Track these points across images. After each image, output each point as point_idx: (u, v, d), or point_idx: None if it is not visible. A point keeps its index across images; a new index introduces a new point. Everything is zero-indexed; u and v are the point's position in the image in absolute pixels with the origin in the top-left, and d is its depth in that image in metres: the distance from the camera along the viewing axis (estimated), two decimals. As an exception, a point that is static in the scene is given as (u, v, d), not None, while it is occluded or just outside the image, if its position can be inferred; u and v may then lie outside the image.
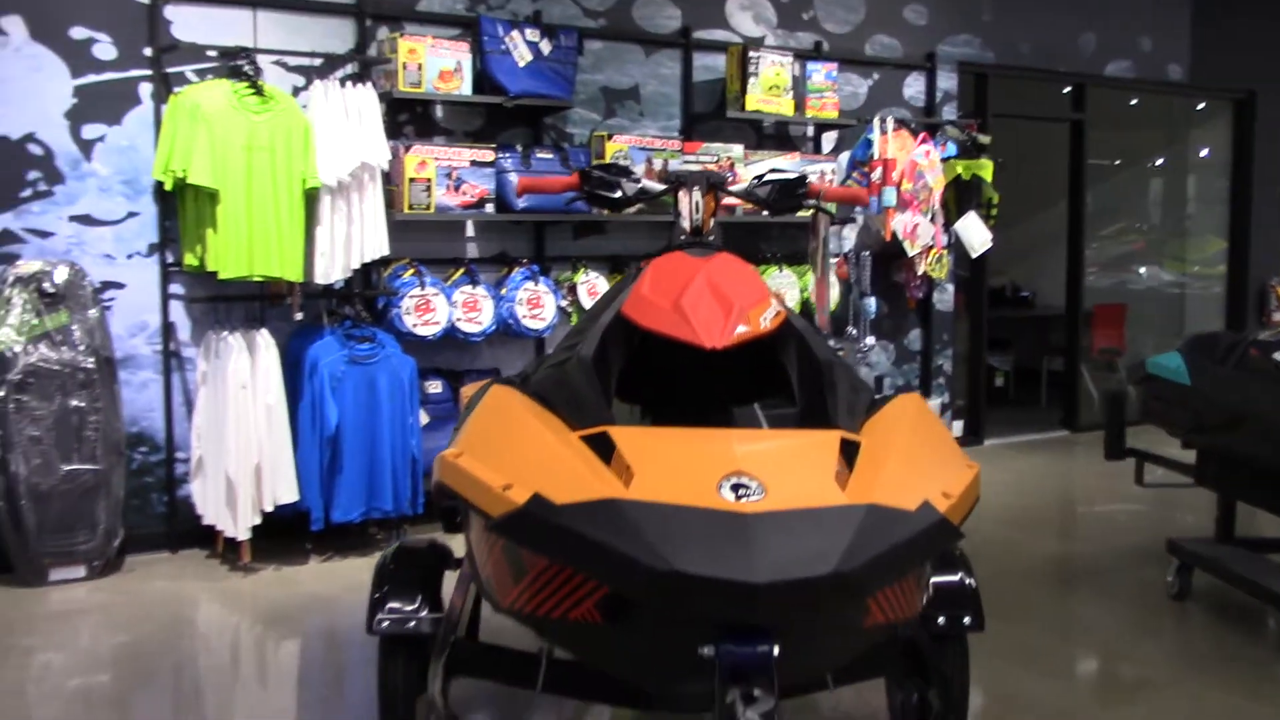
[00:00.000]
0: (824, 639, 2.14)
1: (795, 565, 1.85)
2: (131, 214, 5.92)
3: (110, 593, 5.45)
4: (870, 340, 8.27)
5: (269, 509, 5.77)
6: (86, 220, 5.83)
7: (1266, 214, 10.78)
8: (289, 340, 6.08)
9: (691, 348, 2.59)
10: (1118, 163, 12.03)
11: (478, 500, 2.14)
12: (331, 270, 5.94)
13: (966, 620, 3.27)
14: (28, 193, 5.69)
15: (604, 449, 2.18)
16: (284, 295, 5.96)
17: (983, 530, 6.62)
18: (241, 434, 5.66)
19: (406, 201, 6.20)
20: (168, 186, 5.65)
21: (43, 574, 5.52)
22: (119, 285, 5.92)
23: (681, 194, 3.07)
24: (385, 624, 3.23)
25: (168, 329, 6.01)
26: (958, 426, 9.10)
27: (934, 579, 3.32)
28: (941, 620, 3.25)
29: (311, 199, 5.84)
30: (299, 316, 6.00)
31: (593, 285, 6.92)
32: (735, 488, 2.00)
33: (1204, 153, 11.54)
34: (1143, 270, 12.16)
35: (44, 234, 5.73)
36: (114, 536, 5.71)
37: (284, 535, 6.10)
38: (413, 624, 3.22)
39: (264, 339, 5.77)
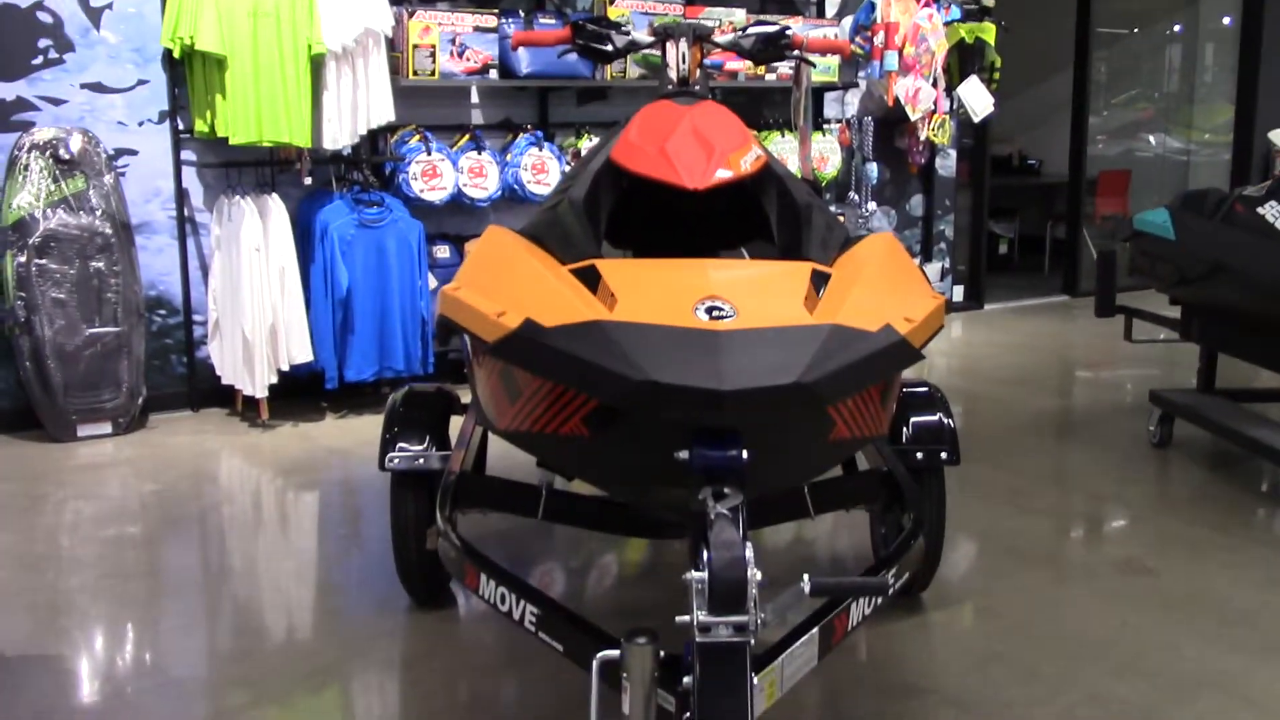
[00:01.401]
0: (792, 448, 2.33)
1: (760, 375, 2.03)
2: (141, 81, 6.03)
3: (136, 447, 5.71)
4: (872, 206, 8.40)
5: (285, 369, 5.99)
6: (97, 88, 5.94)
7: (1275, 79, 10.75)
8: (299, 205, 6.24)
9: (677, 192, 2.74)
10: (1135, 30, 11.95)
11: (475, 328, 2.32)
12: (339, 136, 6.06)
13: (943, 455, 3.48)
14: (39, 60, 5.80)
15: (592, 281, 2.36)
16: (293, 161, 6.11)
17: (978, 388, 6.83)
18: (256, 296, 5.86)
19: (411, 68, 6.29)
20: (176, 54, 5.76)
21: (71, 430, 5.78)
22: (132, 152, 6.06)
23: (669, 45, 3.20)
24: (395, 461, 3.45)
25: (181, 195, 6.16)
26: (958, 291, 9.26)
27: (914, 419, 3.53)
28: (920, 455, 3.47)
29: (317, 65, 5.93)
30: (308, 181, 6.15)
31: (596, 151, 7.01)
32: (710, 310, 2.17)
33: (1226, 20, 11.44)
34: (1151, 138, 12.17)
35: (56, 101, 5.86)
36: (137, 395, 5.95)
37: (300, 394, 6.35)
38: (421, 461, 3.44)
39: (275, 203, 5.93)
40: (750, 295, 2.22)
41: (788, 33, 3.40)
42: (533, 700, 3.15)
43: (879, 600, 2.72)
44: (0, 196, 5.70)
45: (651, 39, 3.30)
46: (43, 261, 5.67)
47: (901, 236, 8.84)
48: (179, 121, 6.10)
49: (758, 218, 2.93)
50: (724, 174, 2.70)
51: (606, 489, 2.61)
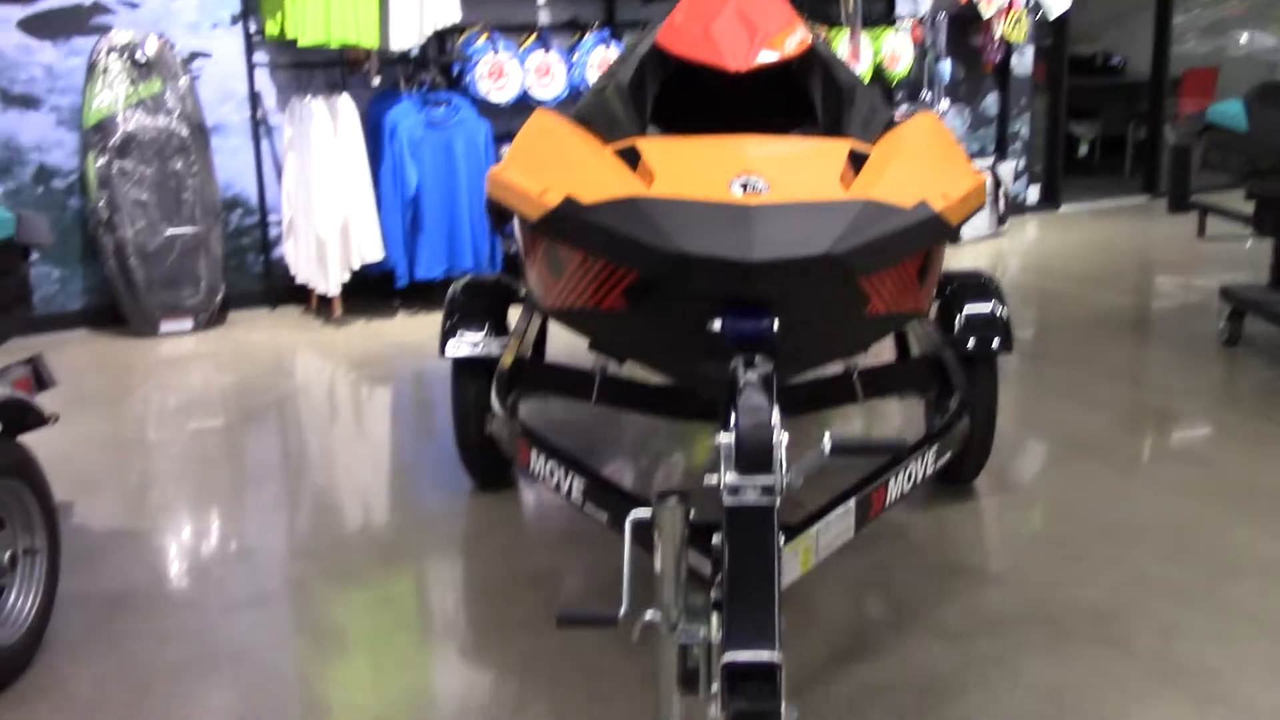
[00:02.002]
0: (827, 321, 2.38)
1: (789, 246, 2.08)
2: (213, -17, 6.13)
3: (215, 342, 5.91)
4: (945, 104, 8.27)
5: (356, 267, 6.13)
6: (171, -10, 6.06)
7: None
8: (369, 106, 6.32)
9: (722, 75, 2.77)
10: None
11: (520, 207, 2.39)
12: (406, 36, 6.11)
13: (994, 343, 3.50)
14: (114, -36, 5.91)
15: (633, 160, 2.41)
16: (362, 62, 6.18)
17: (1049, 285, 6.77)
18: (327, 196, 5.98)
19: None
20: (246, -45, 5.84)
21: (154, 325, 5.99)
22: (205, 55, 6.18)
23: None
24: (455, 349, 3.56)
25: (254, 97, 6.28)
26: (1034, 192, 9.12)
27: (966, 307, 3.55)
28: (971, 344, 3.49)
29: (384, -36, 5.97)
30: (376, 82, 6.24)
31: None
32: (745, 185, 2.22)
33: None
34: (1243, 37, 11.76)
35: (131, 4, 5.98)
36: (216, 293, 6.14)
37: (373, 293, 6.50)
38: (479, 348, 3.54)
39: (345, 104, 6.02)
40: (785, 171, 2.26)
41: None
42: (584, 573, 3.28)
43: (919, 478, 2.77)
44: (81, 99, 5.86)
45: None
46: (123, 162, 5.83)
47: (975, 136, 8.71)
48: (251, 24, 6.19)
49: (803, 100, 2.95)
50: (767, 55, 2.73)
51: (646, 363, 2.69)
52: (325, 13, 5.81)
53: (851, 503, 2.49)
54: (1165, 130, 9.83)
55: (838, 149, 2.40)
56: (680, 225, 2.13)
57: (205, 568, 3.36)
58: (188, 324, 6.06)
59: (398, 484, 3.99)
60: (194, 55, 6.13)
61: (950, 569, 3.25)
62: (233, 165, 6.33)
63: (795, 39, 2.79)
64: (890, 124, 2.77)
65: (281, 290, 6.50)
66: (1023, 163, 8.96)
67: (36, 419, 2.95)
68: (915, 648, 2.83)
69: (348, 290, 6.22)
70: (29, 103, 5.85)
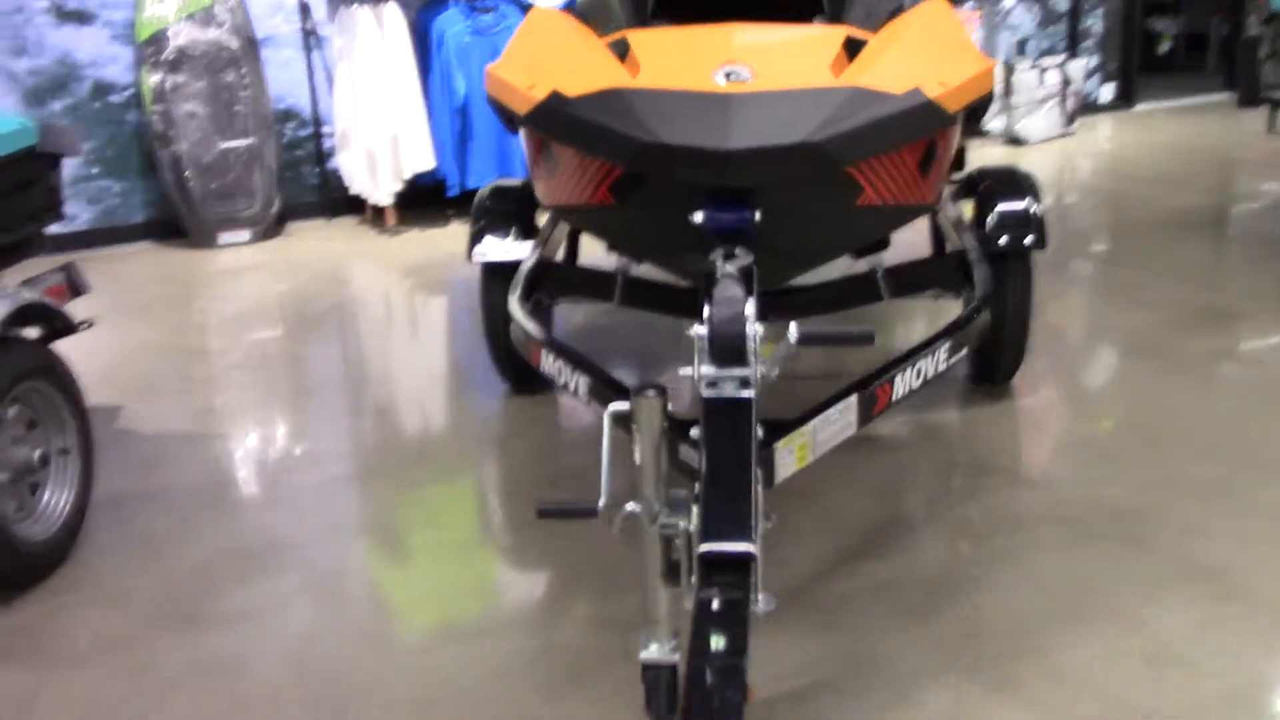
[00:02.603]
0: (815, 213, 2.33)
1: (767, 134, 2.04)
2: (260, -107, 6.11)
3: (271, 253, 5.99)
4: (1010, 1, 8.01)
5: (408, 177, 6.16)
6: (218, -99, 6.05)
7: None
8: (416, 14, 6.29)
9: None
10: None
11: (510, 102, 2.37)
12: (452, -59, 6.06)
13: (1027, 240, 3.41)
14: (161, -125, 5.92)
15: (624, 53, 2.37)
16: (407, -32, 6.15)
17: (1115, 185, 6.57)
18: (376, 107, 5.99)
19: None
20: None
21: (212, 237, 6.10)
22: (254, -35, 6.19)
23: None
24: (482, 253, 3.57)
25: (304, 7, 6.29)
26: (1107, 90, 8.82)
27: (999, 204, 3.46)
28: (1003, 240, 3.41)
29: None
30: (424, -11, 6.20)
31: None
32: (729, 74, 2.17)
33: None
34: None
35: (181, -84, 5.99)
36: (271, 204, 6.21)
37: (426, 202, 6.53)
38: (506, 252, 3.54)
39: (392, 13, 6.00)
40: (773, 59, 2.21)
41: None
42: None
43: (930, 374, 2.72)
44: (134, 12, 5.92)
45: None
46: (175, 76, 5.89)
47: (1045, 33, 8.42)
48: (298, -67, 6.18)
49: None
50: None
51: (637, 257, 2.67)
52: (369, -81, 5.77)
53: (853, 398, 2.46)
54: (1248, 24, 9.42)
55: (831, 37, 2.33)
56: (658, 115, 2.09)
57: (253, 468, 3.44)
58: (245, 235, 6.16)
59: (443, 386, 4.05)
60: (243, -34, 6.14)
61: (977, 469, 3.21)
62: (285, 77, 6.37)
63: None
64: (898, 11, 2.67)
65: (337, 201, 6.56)
66: (1095, 60, 8.65)
67: (65, 325, 3.03)
68: (929, 546, 2.81)
69: (402, 200, 6.25)
70: (83, 18, 5.92)
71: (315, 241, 6.19)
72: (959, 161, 3.98)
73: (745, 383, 1.98)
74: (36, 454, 2.83)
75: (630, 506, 2.06)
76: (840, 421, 2.44)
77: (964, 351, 2.88)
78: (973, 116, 2.75)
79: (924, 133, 2.28)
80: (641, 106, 2.11)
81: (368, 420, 3.77)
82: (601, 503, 2.02)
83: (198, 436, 3.68)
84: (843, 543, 2.84)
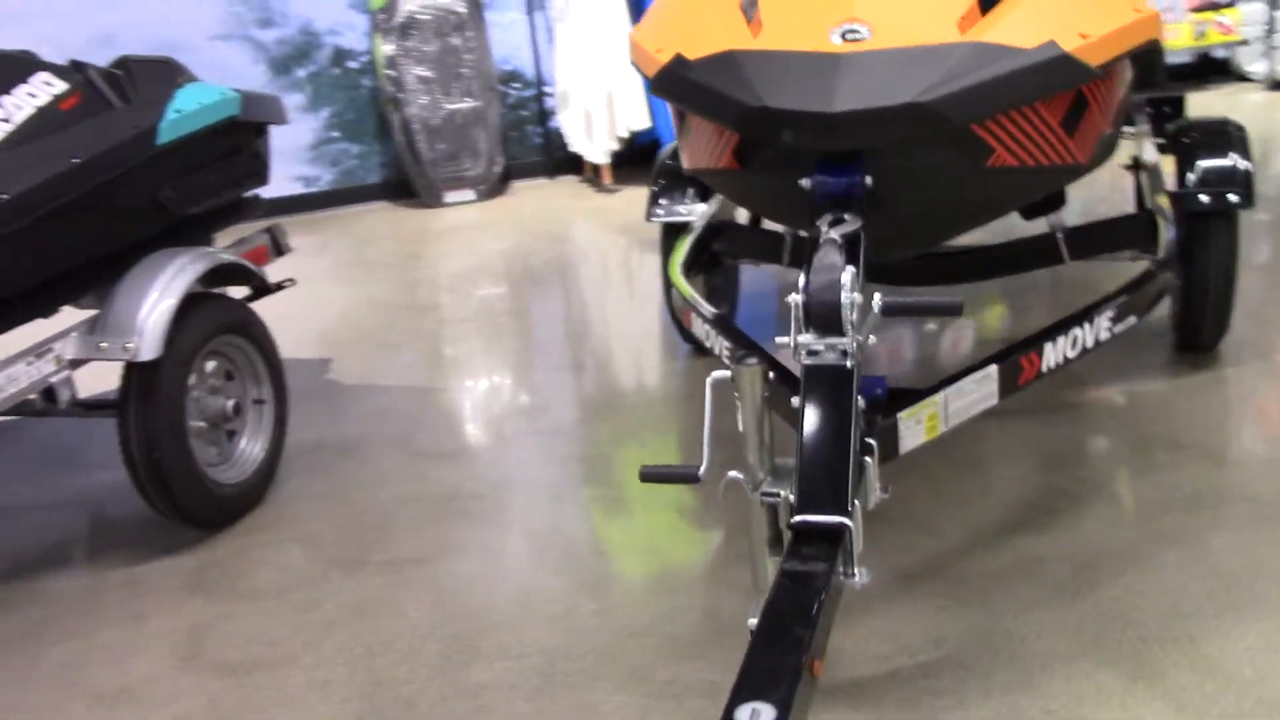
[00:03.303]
0: (936, 175, 2.23)
1: (875, 95, 1.97)
2: None
3: (495, 211, 6.22)
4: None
5: (623, 135, 6.25)
6: None
7: None
8: (634, -28, 6.36)
9: None
10: None
11: (644, 67, 2.38)
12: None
13: (1232, 197, 3.17)
14: None
15: (755, 10, 2.34)
16: (624, -73, 6.20)
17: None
18: (593, 66, 6.10)
19: None
20: None
21: (439, 197, 6.38)
22: (481, -69, 6.38)
23: None
24: (659, 213, 3.60)
25: (528, -30, 6.45)
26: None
27: (1201, 158, 3.23)
28: (1205, 198, 3.18)
29: None
30: (641, -52, 6.24)
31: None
32: (846, 33, 2.11)
33: None
34: None
35: (411, -113, 6.24)
36: (495, 164, 6.44)
37: (642, 161, 6.59)
38: (682, 212, 3.56)
39: (609, -28, 6.08)
40: (896, 15, 2.13)
41: None
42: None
43: (1089, 343, 2.58)
44: (369, -17, 6.23)
45: None
46: (407, 43, 6.17)
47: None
48: (521, -103, 6.33)
49: None
50: None
51: (775, 220, 2.63)
52: (584, -120, 5.85)
53: (993, 368, 2.36)
54: None
55: None
56: (765, 78, 2.06)
57: (449, 420, 3.62)
58: (470, 194, 6.41)
59: (639, 345, 4.13)
60: (470, -67, 6.35)
61: (1161, 442, 3.03)
62: (509, 40, 6.56)
63: None
64: None
65: (559, 160, 6.73)
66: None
67: (260, 284, 3.26)
68: (1093, 522, 2.68)
69: (619, 158, 6.35)
70: (323, -12, 6.28)
71: (537, 200, 6.38)
72: (1177, 110, 3.73)
73: (843, 351, 1.94)
74: (231, 403, 3.06)
75: (732, 474, 2.07)
76: (978, 392, 2.35)
77: (1132, 319, 2.71)
78: (1147, 68, 2.57)
79: (1059, 88, 2.15)
80: (750, 69, 2.09)
81: (564, 376, 3.89)
82: (702, 468, 2.03)
83: (405, 389, 3.89)
84: (1001, 515, 2.74)
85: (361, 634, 2.51)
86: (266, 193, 6.36)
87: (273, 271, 3.47)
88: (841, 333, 1.94)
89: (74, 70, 3.19)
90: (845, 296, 1.93)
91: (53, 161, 2.78)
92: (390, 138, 6.37)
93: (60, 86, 3.09)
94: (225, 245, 3.54)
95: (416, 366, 4.08)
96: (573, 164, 6.65)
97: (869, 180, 2.08)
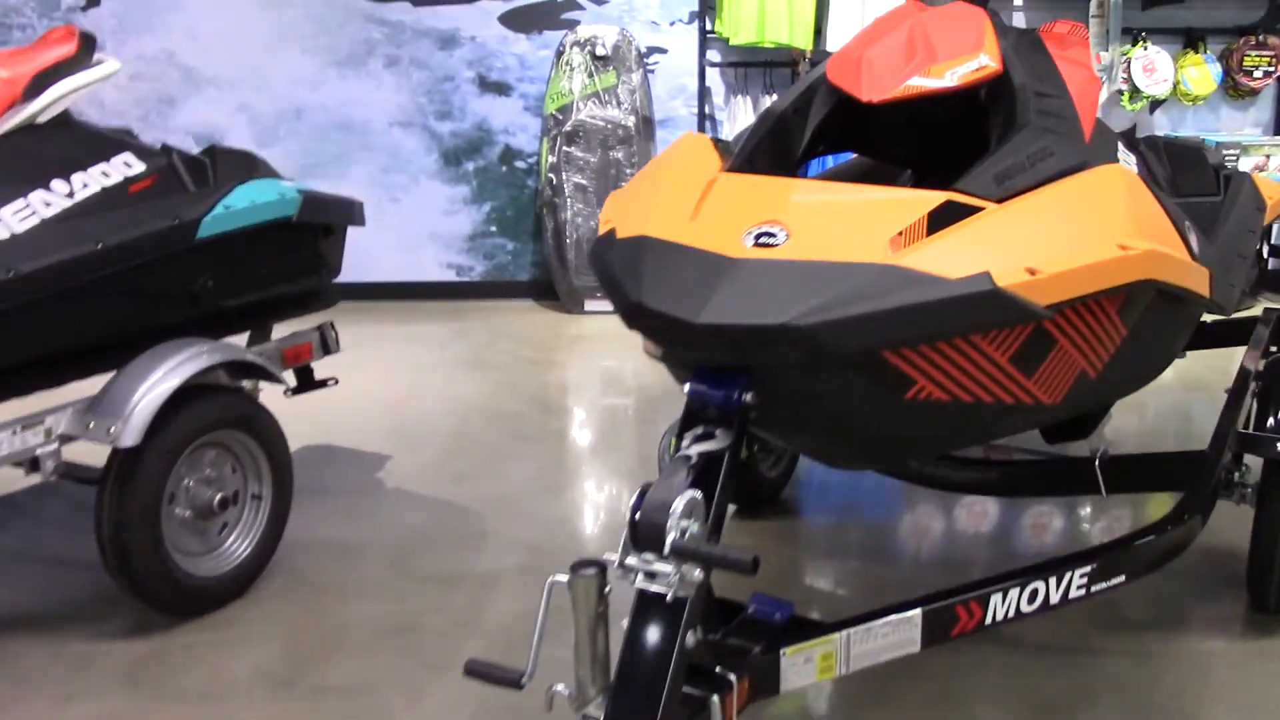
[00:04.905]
0: (840, 404, 2.02)
1: (750, 312, 1.80)
2: (676, -18, 6.37)
3: (627, 326, 6.19)
4: None
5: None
6: (636, -12, 6.38)
7: None
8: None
9: (900, 105, 2.42)
10: None
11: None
12: (845, 38, 5.96)
13: None
14: (588, -37, 6.33)
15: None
16: (797, 62, 6.13)
17: None
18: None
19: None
20: (702, -45, 6.01)
21: (580, 303, 6.39)
22: (661, 50, 6.44)
23: None
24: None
25: (703, 92, 6.45)
26: None
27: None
28: None
29: (828, -35, 5.87)
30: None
31: (1150, 63, 6.24)
32: (761, 235, 1.95)
33: None
34: None
35: (599, 0, 6.37)
36: (640, 278, 6.42)
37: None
38: None
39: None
40: (824, 224, 1.96)
41: None
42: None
43: (1058, 598, 2.26)
44: (545, 87, 6.36)
45: None
46: (570, 149, 6.26)
47: None
48: (706, 22, 6.36)
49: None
50: (918, 84, 2.32)
51: None
52: (760, 12, 5.83)
53: (917, 613, 2.11)
54: None
55: (917, 202, 2.01)
56: (655, 272, 1.93)
57: (452, 540, 3.56)
58: (609, 305, 6.39)
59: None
60: (651, 50, 6.42)
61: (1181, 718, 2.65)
62: (676, 158, 6.56)
63: (968, 68, 2.34)
64: (1065, 172, 2.24)
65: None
66: None
67: (272, 380, 3.30)
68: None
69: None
70: (502, 89, 6.45)
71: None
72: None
73: (661, 577, 1.77)
74: (218, 498, 3.09)
75: (559, 687, 1.93)
76: (893, 637, 2.11)
77: (1120, 579, 2.37)
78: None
79: (990, 326, 1.92)
80: (649, 260, 1.96)
81: (608, 515, 3.79)
82: (525, 677, 1.90)
83: (439, 501, 3.85)
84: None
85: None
86: (420, 274, 6.59)
87: (340, 364, 3.49)
88: (662, 554, 1.77)
89: (160, 154, 3.35)
90: (673, 523, 1.76)
91: (80, 242, 2.90)
92: (542, 239, 6.46)
93: (138, 168, 3.24)
94: (280, 337, 3.64)
95: (465, 478, 4.04)
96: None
97: (749, 398, 1.91)
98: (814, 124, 2.50)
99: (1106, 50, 2.40)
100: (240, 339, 3.64)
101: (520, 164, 6.54)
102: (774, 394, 1.94)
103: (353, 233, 3.76)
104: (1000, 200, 2.09)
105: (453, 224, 6.56)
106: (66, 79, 3.25)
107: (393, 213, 6.47)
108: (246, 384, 3.41)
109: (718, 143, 2.51)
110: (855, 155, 3.11)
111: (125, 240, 2.99)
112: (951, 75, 2.32)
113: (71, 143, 3.19)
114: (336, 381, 3.69)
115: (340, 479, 4.04)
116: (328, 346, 3.70)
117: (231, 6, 6.27)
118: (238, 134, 6.35)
